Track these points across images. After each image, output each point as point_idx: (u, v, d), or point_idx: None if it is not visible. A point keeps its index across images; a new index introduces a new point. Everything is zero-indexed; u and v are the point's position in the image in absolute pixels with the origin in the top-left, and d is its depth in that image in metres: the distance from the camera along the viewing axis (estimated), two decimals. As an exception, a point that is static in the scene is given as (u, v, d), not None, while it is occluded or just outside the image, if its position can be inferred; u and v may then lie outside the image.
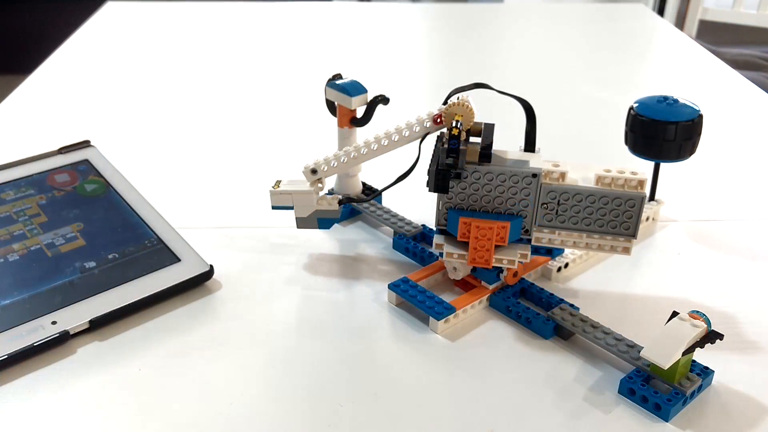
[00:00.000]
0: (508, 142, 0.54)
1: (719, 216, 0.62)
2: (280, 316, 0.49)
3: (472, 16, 1.24)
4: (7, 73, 1.98)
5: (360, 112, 0.58)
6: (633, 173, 0.45)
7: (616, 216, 0.46)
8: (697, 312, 0.42)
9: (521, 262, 0.47)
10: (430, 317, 0.47)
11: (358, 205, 0.61)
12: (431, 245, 0.55)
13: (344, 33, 1.15)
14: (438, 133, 0.50)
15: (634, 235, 0.46)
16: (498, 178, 0.46)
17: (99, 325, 0.47)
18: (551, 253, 0.54)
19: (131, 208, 0.56)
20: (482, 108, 0.51)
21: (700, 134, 0.54)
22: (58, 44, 1.05)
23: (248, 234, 0.59)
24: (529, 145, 0.48)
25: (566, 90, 0.92)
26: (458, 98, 0.47)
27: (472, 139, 0.48)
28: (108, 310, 0.47)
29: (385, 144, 0.51)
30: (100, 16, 1.20)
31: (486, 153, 0.46)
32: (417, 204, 0.61)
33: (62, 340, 0.45)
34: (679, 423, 0.41)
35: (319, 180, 0.52)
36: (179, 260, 0.52)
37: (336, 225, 0.60)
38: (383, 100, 0.56)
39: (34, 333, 0.45)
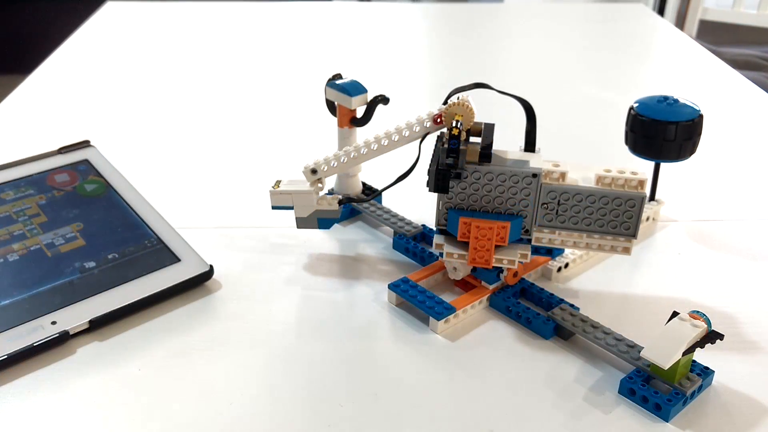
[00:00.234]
0: (508, 142, 0.54)
1: (719, 216, 0.62)
2: (280, 316, 0.49)
3: (472, 16, 1.24)
4: (7, 73, 1.98)
5: (360, 112, 0.58)
6: (633, 173, 0.45)
7: (616, 216, 0.46)
8: (697, 312, 0.42)
9: (521, 262, 0.47)
10: (430, 317, 0.47)
11: (358, 205, 0.60)
12: (431, 245, 0.55)
13: (344, 33, 1.15)
14: (438, 133, 0.50)
15: (634, 235, 0.46)
16: (498, 178, 0.46)
17: (99, 325, 0.47)
18: (551, 253, 0.54)
19: (131, 208, 0.56)
20: (482, 108, 0.51)
21: (700, 134, 0.54)
22: (58, 44, 1.05)
23: (248, 234, 0.59)
24: (529, 145, 0.48)
25: (566, 90, 0.92)
26: (458, 98, 0.47)
27: (472, 139, 0.48)
28: (108, 310, 0.47)
29: (385, 144, 0.51)
30: (100, 16, 1.20)
31: (486, 153, 0.46)
32: (417, 204, 0.61)
33: (62, 340, 0.45)
34: (679, 423, 0.41)
35: (319, 180, 0.52)
36: (179, 260, 0.52)
37: (336, 225, 0.60)
38: (383, 100, 0.56)
39: (33, 333, 0.45)
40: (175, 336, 0.47)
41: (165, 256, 0.52)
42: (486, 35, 1.15)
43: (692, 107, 0.54)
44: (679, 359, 0.40)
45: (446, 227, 0.48)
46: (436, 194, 0.47)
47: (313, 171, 0.51)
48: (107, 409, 0.41)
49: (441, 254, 0.48)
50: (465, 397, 0.42)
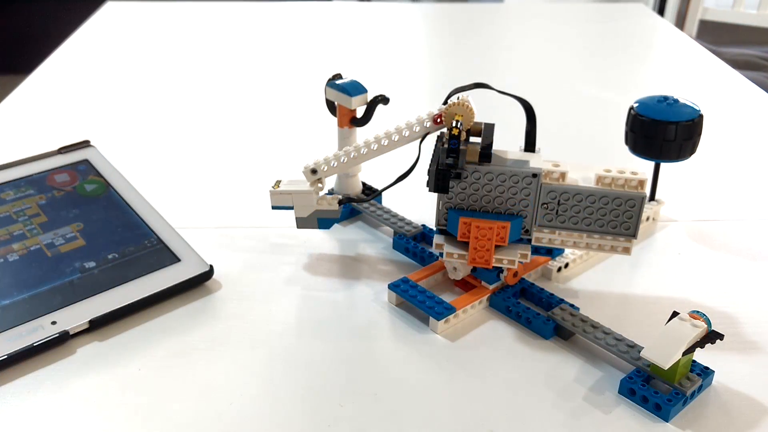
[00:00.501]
0: (508, 142, 0.54)
1: (719, 216, 0.62)
2: (280, 316, 0.49)
3: (472, 16, 1.24)
4: (7, 73, 1.98)
5: (360, 112, 0.58)
6: (633, 173, 0.45)
7: (616, 216, 0.46)
8: (698, 312, 0.42)
9: (521, 262, 0.47)
10: (430, 317, 0.47)
11: (358, 205, 0.60)
12: (431, 245, 0.55)
13: (344, 33, 1.15)
14: (438, 133, 0.50)
15: (634, 235, 0.46)
16: (498, 178, 0.46)
17: (99, 325, 0.47)
18: (551, 253, 0.54)
19: (131, 208, 0.56)
20: (482, 108, 0.51)
21: (700, 134, 0.54)
22: (58, 44, 1.05)
23: (248, 234, 0.59)
24: (529, 145, 0.48)
25: (566, 90, 0.92)
26: (458, 98, 0.47)
27: (472, 139, 0.48)
28: (108, 310, 0.47)
29: (385, 144, 0.51)
30: (100, 16, 1.20)
31: (486, 153, 0.46)
32: (417, 204, 0.61)
33: (62, 340, 0.45)
34: (679, 423, 0.41)
35: (319, 180, 0.52)
36: (179, 260, 0.52)
37: (336, 225, 0.60)
38: (383, 100, 0.56)
39: (33, 333, 0.45)
40: (175, 336, 0.47)
41: (165, 256, 0.52)
42: (486, 35, 1.15)
43: (692, 107, 0.54)
44: (679, 359, 0.40)
45: (446, 227, 0.48)
46: (436, 194, 0.47)
47: (313, 171, 0.51)
48: (107, 409, 0.41)
49: (441, 254, 0.48)
50: (465, 397, 0.42)
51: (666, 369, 0.40)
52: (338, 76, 0.58)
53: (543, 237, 0.48)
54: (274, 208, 0.52)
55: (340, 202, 0.52)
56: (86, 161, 0.60)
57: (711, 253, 0.57)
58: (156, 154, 0.73)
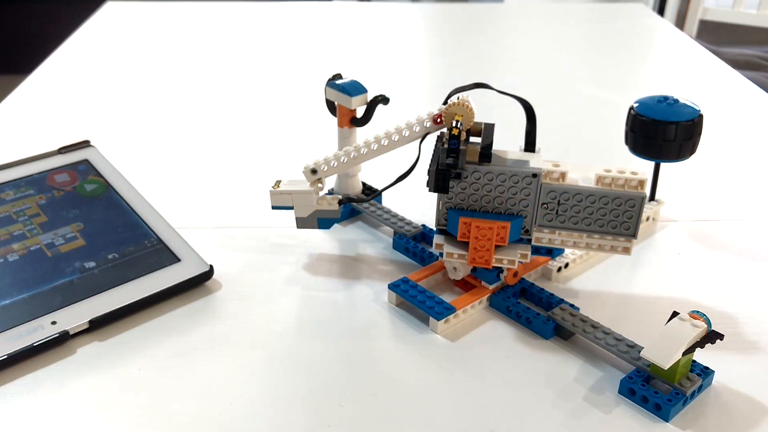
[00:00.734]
0: (508, 142, 0.54)
1: (719, 216, 0.62)
2: (280, 316, 0.49)
3: (472, 16, 1.24)
4: (7, 73, 1.98)
5: (360, 112, 0.58)
6: (633, 173, 0.45)
7: (616, 216, 0.46)
8: (698, 312, 0.42)
9: (521, 262, 0.47)
10: (430, 317, 0.47)
11: (358, 205, 0.60)
12: (431, 245, 0.55)
13: (344, 33, 1.15)
14: (438, 133, 0.50)
15: (634, 235, 0.46)
16: (498, 178, 0.46)
17: (99, 325, 0.47)
18: (551, 253, 0.54)
19: (131, 208, 0.56)
20: (482, 108, 0.51)
21: (700, 134, 0.54)
22: (58, 44, 1.05)
23: (248, 234, 0.59)
24: (529, 145, 0.48)
25: (566, 90, 0.92)
26: (458, 98, 0.47)
27: (472, 139, 0.48)
28: (108, 310, 0.47)
29: (385, 144, 0.51)
30: (100, 16, 1.20)
31: (486, 153, 0.46)
32: (417, 204, 0.61)
33: (62, 340, 0.45)
34: (679, 423, 0.41)
35: (319, 180, 0.52)
36: (179, 260, 0.52)
37: (336, 225, 0.60)
38: (383, 100, 0.56)
39: (34, 333, 0.45)
40: (175, 336, 0.47)
41: (165, 256, 0.52)
42: (486, 35, 1.15)
43: (692, 107, 0.54)
44: (679, 359, 0.40)
45: (446, 227, 0.48)
46: (436, 194, 0.47)
47: (313, 171, 0.51)
48: (107, 409, 0.41)
49: (441, 254, 0.48)
50: (465, 397, 0.42)
51: (666, 369, 0.40)
52: (338, 76, 0.58)
53: (543, 237, 0.48)
54: (274, 208, 0.52)
55: (340, 202, 0.52)
56: (86, 161, 0.60)
57: (711, 253, 0.57)
58: (156, 154, 0.73)
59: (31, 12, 2.46)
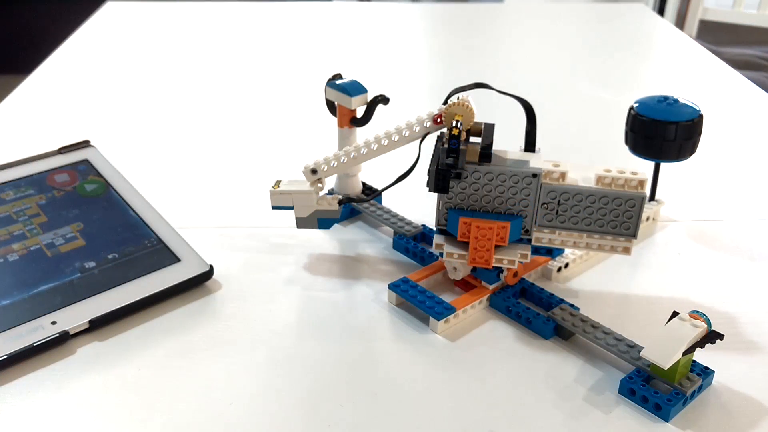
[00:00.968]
0: (508, 142, 0.54)
1: (719, 216, 0.62)
2: (280, 316, 0.49)
3: (472, 16, 1.24)
4: (7, 73, 1.98)
5: (360, 112, 0.58)
6: (633, 173, 0.45)
7: (616, 216, 0.46)
8: (698, 312, 0.42)
9: (521, 262, 0.47)
10: (430, 317, 0.47)
11: (358, 205, 0.60)
12: (431, 245, 0.55)
13: (344, 33, 1.15)
14: (438, 133, 0.50)
15: (634, 235, 0.46)
16: (498, 178, 0.46)
17: (99, 325, 0.47)
18: (551, 253, 0.54)
19: (131, 208, 0.56)
20: (482, 108, 0.51)
21: (700, 134, 0.54)
22: (58, 44, 1.05)
23: (248, 234, 0.59)
24: (529, 145, 0.48)
25: (566, 90, 0.92)
26: (458, 98, 0.47)
27: (472, 139, 0.48)
28: (108, 310, 0.47)
29: (385, 144, 0.51)
30: (100, 16, 1.20)
31: (486, 153, 0.46)
32: (417, 204, 0.61)
33: (62, 340, 0.45)
34: (679, 423, 0.41)
35: (319, 180, 0.52)
36: (179, 260, 0.52)
37: (336, 225, 0.60)
38: (383, 100, 0.56)
39: (33, 333, 0.45)
40: (175, 336, 0.47)
41: (165, 256, 0.52)
42: (486, 35, 1.15)
43: (692, 107, 0.54)
44: (679, 359, 0.40)
45: (446, 227, 0.48)
46: (436, 194, 0.47)
47: (313, 171, 0.51)
48: (107, 409, 0.41)
49: (441, 254, 0.48)
50: (465, 396, 0.42)
51: (666, 369, 0.40)
52: (338, 76, 0.58)
53: (543, 237, 0.48)
54: (274, 208, 0.52)
55: (340, 202, 0.52)
56: (86, 161, 0.60)
57: (711, 253, 0.57)
58: (156, 154, 0.73)
59: (31, 12, 2.46)
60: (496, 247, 0.47)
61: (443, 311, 0.47)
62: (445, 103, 0.47)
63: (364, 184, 0.63)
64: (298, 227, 0.53)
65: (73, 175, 0.58)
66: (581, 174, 0.46)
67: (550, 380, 0.44)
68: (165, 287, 0.49)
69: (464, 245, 0.47)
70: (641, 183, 0.45)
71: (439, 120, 0.50)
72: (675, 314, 0.42)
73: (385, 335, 0.47)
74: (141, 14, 1.21)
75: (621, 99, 0.88)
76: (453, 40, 1.13)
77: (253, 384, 0.43)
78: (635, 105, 0.55)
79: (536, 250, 0.53)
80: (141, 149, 0.74)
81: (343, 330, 0.48)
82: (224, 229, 0.59)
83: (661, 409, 0.40)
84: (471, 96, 0.47)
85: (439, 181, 0.45)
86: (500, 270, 0.50)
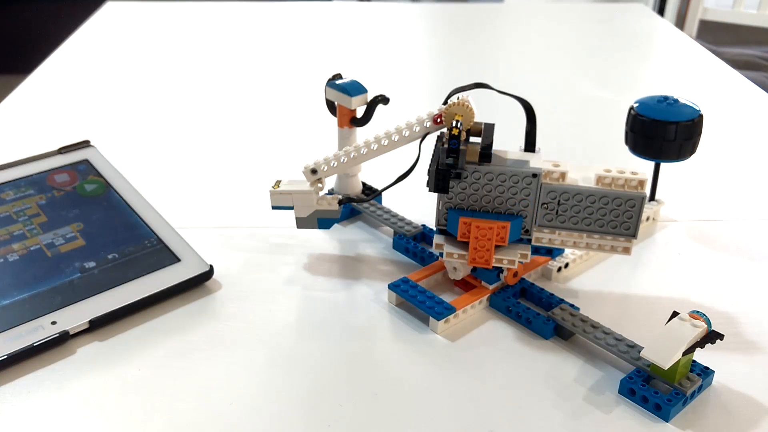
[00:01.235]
0: (508, 142, 0.54)
1: (719, 216, 0.62)
2: (280, 316, 0.49)
3: (472, 16, 1.24)
4: (7, 73, 1.98)
5: (360, 112, 0.58)
6: (633, 173, 0.45)
7: (616, 216, 0.46)
8: (698, 312, 0.42)
9: (521, 262, 0.47)
10: (430, 317, 0.47)
11: (358, 205, 0.60)
12: (431, 245, 0.55)
13: (344, 33, 1.15)
14: (438, 133, 0.50)
15: (634, 235, 0.46)
16: (498, 178, 0.46)
17: (99, 325, 0.47)
18: (551, 253, 0.54)
19: (131, 208, 0.56)
20: (482, 108, 0.51)
21: (700, 134, 0.54)
22: (58, 44, 1.05)
23: (248, 234, 0.59)
24: (529, 145, 0.48)
25: (566, 90, 0.92)
26: (458, 98, 0.47)
27: (472, 139, 0.48)
28: (108, 310, 0.47)
29: (385, 144, 0.51)
30: (100, 16, 1.20)
31: (486, 153, 0.46)
32: (417, 204, 0.61)
33: (62, 340, 0.45)
34: (679, 423, 0.41)
35: (319, 180, 0.52)
36: (179, 260, 0.52)
37: (336, 225, 0.60)
38: (383, 100, 0.56)
39: (34, 333, 0.45)
40: (175, 336, 0.47)
41: (165, 256, 0.52)
42: (486, 35, 1.15)
43: (692, 107, 0.54)
44: (679, 359, 0.40)
45: (446, 227, 0.48)
46: (436, 194, 0.47)
47: (313, 171, 0.51)
48: (107, 409, 0.41)
49: (441, 254, 0.48)
50: (465, 396, 0.42)
51: (666, 369, 0.40)
52: (338, 76, 0.58)
53: (543, 237, 0.48)
54: (274, 208, 0.52)
55: (340, 202, 0.52)
56: (86, 161, 0.60)
57: (711, 253, 0.57)
58: (156, 154, 0.73)
59: (31, 12, 2.46)
60: (496, 247, 0.47)
61: (443, 311, 0.47)
62: (445, 103, 0.47)
63: (364, 184, 0.63)
64: (298, 227, 0.53)
65: (73, 175, 0.58)
66: (581, 174, 0.46)
67: (550, 380, 0.44)
68: (165, 287, 0.49)
69: (464, 245, 0.47)
70: (641, 183, 0.45)
71: (439, 120, 0.50)
72: (675, 314, 0.42)
73: (385, 335, 0.47)
74: (141, 14, 1.21)
75: (621, 99, 0.88)
76: (453, 40, 1.13)
77: (253, 384, 0.43)
78: (635, 105, 0.55)
79: (536, 250, 0.53)
80: (141, 149, 0.74)
81: (343, 330, 0.48)
82: (224, 229, 0.59)
83: (661, 409, 0.40)
84: (471, 96, 0.47)
85: (439, 181, 0.45)
86: (500, 270, 0.50)
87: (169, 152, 0.73)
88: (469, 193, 0.47)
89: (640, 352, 0.42)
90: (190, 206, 0.63)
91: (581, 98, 0.89)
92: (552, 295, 0.50)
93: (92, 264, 0.51)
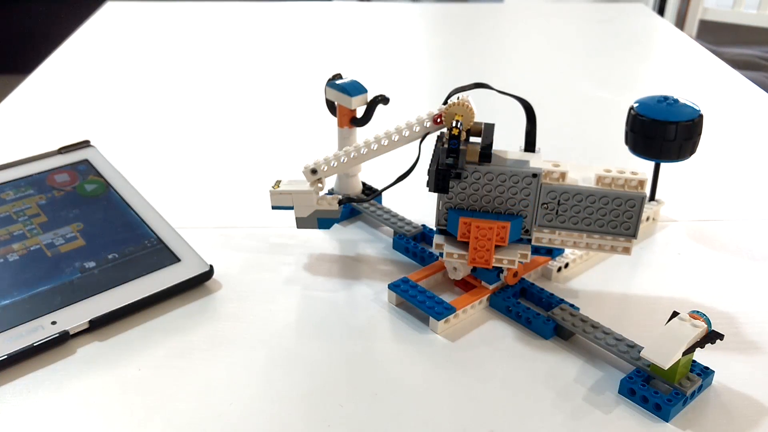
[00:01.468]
0: (508, 142, 0.54)
1: (719, 216, 0.62)
2: (280, 316, 0.49)
3: (472, 16, 1.24)
4: (7, 73, 1.98)
5: (360, 112, 0.58)
6: (633, 173, 0.45)
7: (616, 216, 0.46)
8: (698, 312, 0.42)
9: (521, 262, 0.47)
10: (430, 317, 0.47)
11: (358, 205, 0.60)
12: (431, 245, 0.55)
13: (344, 33, 1.15)
14: (438, 133, 0.50)
15: (634, 235, 0.46)
16: (498, 178, 0.46)
17: (99, 325, 0.47)
18: (551, 253, 0.54)
19: (131, 208, 0.56)
20: (482, 108, 0.51)
21: (700, 134, 0.54)
22: (58, 44, 1.05)
23: (248, 234, 0.59)
24: (529, 145, 0.48)
25: (566, 90, 0.92)
26: (458, 98, 0.47)
27: (472, 139, 0.48)
28: (108, 310, 0.47)
29: (385, 144, 0.51)
30: (100, 16, 1.20)
31: (486, 153, 0.46)
32: (417, 204, 0.61)
33: (62, 340, 0.45)
34: (679, 423, 0.41)
35: (319, 180, 0.52)
36: (179, 260, 0.52)
37: (336, 225, 0.60)
38: (383, 100, 0.56)
39: (33, 333, 0.45)
40: (175, 336, 0.47)
41: (165, 256, 0.52)
42: (486, 35, 1.15)
43: (692, 107, 0.54)
44: (679, 359, 0.40)
45: (446, 227, 0.48)
46: (436, 194, 0.47)
47: (313, 171, 0.51)
48: (107, 409, 0.41)
49: (441, 254, 0.48)
50: (465, 397, 0.42)
51: (666, 369, 0.40)
52: (338, 76, 0.58)
53: (543, 237, 0.48)
54: (274, 208, 0.52)
55: (340, 202, 0.52)
56: (86, 161, 0.60)
57: (711, 253, 0.57)
58: (156, 154, 0.73)
59: (31, 12, 2.45)
60: (496, 247, 0.47)
61: (443, 311, 0.47)
62: (445, 103, 0.47)
63: (364, 184, 0.63)
64: (298, 227, 0.53)
65: (73, 175, 0.58)
66: (581, 174, 0.46)
67: (550, 380, 0.44)
68: (165, 287, 0.49)
69: (464, 245, 0.47)
70: (641, 183, 0.45)
71: (439, 120, 0.50)
72: (675, 314, 0.42)
73: (385, 335, 0.47)
74: (141, 14, 1.21)
75: (621, 99, 0.88)
76: (453, 40, 1.13)
77: (253, 384, 0.43)
78: (635, 105, 0.55)
79: (536, 250, 0.53)
80: (141, 149, 0.74)
81: (343, 330, 0.48)
82: (224, 229, 0.59)
83: (661, 409, 0.40)
84: (471, 96, 0.47)
85: (439, 181, 0.45)
86: (500, 270, 0.50)
87: (169, 152, 0.73)
88: (469, 193, 0.47)
89: (640, 352, 0.42)
90: (190, 206, 0.63)
91: (581, 98, 0.89)
92: (552, 295, 0.50)
93: (92, 264, 0.51)
